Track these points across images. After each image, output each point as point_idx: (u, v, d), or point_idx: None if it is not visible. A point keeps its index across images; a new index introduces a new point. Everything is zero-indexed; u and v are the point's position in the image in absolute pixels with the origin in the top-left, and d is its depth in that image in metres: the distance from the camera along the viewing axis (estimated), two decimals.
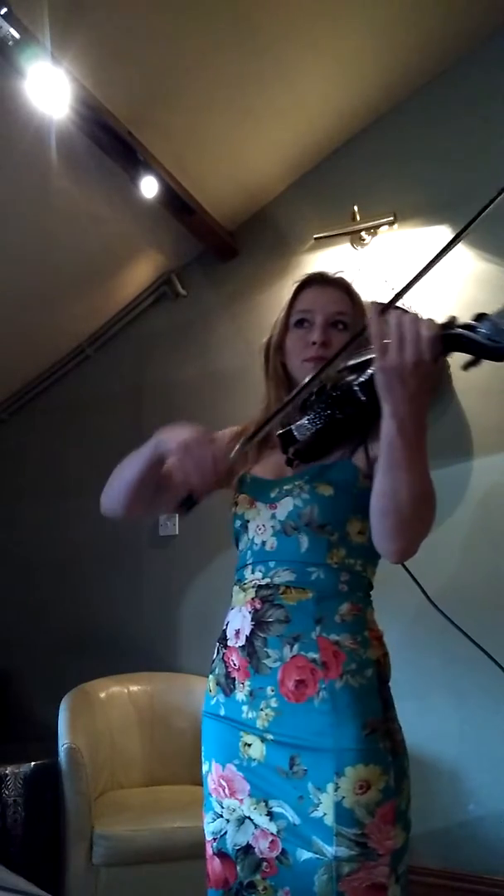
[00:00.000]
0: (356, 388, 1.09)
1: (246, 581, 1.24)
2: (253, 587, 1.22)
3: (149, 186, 2.52)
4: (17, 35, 1.90)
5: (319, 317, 1.29)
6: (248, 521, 1.27)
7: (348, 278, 1.36)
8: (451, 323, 0.97)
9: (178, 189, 2.67)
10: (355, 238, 2.80)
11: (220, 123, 2.59)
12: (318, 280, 1.35)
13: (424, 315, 0.98)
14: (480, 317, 0.96)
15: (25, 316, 3.00)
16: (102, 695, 2.63)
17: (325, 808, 1.09)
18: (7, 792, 2.35)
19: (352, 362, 1.16)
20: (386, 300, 1.06)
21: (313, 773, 1.11)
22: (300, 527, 1.20)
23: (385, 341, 0.96)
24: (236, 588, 1.27)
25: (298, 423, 1.16)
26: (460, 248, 2.63)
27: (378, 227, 2.74)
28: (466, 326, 0.95)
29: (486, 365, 2.85)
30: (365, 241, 2.79)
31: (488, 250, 2.58)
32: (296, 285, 1.36)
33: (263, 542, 1.23)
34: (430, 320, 0.97)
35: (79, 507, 3.18)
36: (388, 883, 1.09)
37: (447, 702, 2.45)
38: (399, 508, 1.05)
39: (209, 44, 2.28)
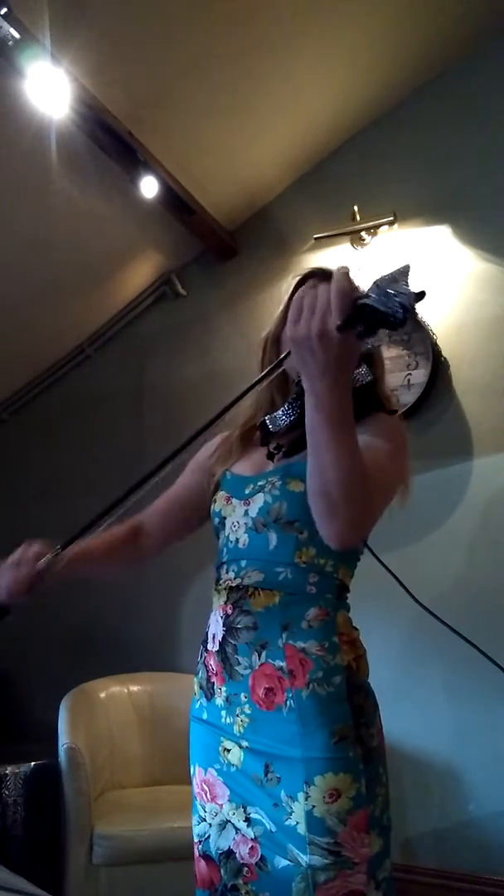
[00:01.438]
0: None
1: (221, 582, 1.24)
2: (226, 589, 1.21)
3: (149, 186, 2.52)
4: (17, 35, 1.89)
5: None
6: (224, 518, 1.25)
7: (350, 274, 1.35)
8: (357, 295, 0.91)
9: (178, 189, 2.67)
10: (355, 238, 2.80)
11: (220, 123, 2.59)
12: (319, 275, 1.31)
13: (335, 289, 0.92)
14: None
15: (25, 316, 3.00)
16: (102, 695, 2.63)
17: (297, 817, 1.09)
18: (7, 792, 2.35)
19: None
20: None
21: (285, 782, 1.11)
22: (269, 523, 1.18)
23: (295, 313, 0.93)
24: (214, 590, 1.27)
25: (274, 414, 1.14)
26: (460, 248, 2.63)
27: (378, 227, 2.74)
28: (364, 296, 0.89)
29: (487, 365, 2.85)
30: (365, 241, 2.79)
31: (488, 250, 2.58)
32: (296, 279, 1.33)
33: (237, 540, 1.22)
34: (338, 291, 0.91)
35: (79, 507, 3.16)
36: (366, 890, 1.09)
37: (447, 702, 2.45)
38: (327, 490, 0.99)
39: (209, 44, 2.28)
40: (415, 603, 1.29)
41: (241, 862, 1.15)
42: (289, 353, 1.10)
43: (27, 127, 2.17)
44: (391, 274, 0.87)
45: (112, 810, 2.34)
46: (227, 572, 1.23)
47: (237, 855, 1.15)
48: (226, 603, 1.20)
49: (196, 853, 1.24)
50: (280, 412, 1.13)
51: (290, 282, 1.34)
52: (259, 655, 1.15)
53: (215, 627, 1.22)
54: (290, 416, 1.13)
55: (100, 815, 2.28)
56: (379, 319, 0.86)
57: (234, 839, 1.16)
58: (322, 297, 0.91)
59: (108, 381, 3.31)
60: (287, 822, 1.10)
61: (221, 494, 1.27)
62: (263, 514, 1.19)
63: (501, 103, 2.63)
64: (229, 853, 1.16)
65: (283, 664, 1.14)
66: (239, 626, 1.17)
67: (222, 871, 1.17)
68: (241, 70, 2.43)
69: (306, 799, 1.08)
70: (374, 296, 0.86)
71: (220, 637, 1.20)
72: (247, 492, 1.23)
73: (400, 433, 1.21)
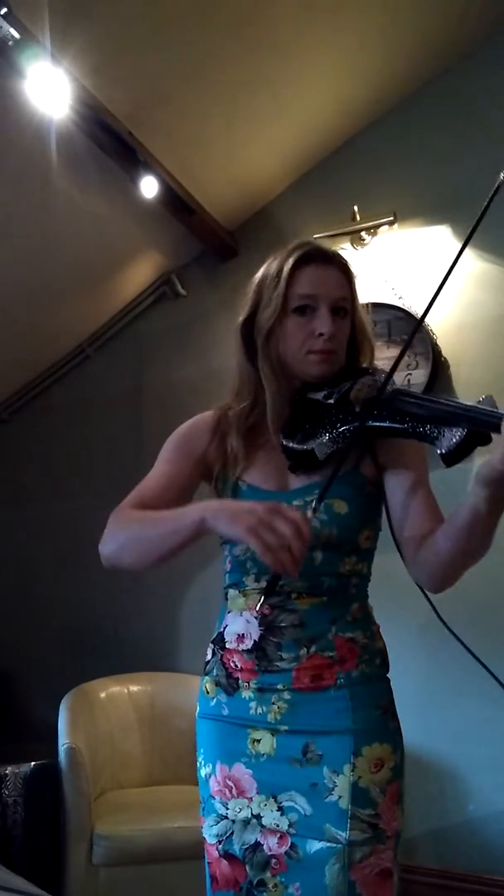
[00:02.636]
0: (441, 451, 1.00)
1: (248, 587, 1.21)
2: (258, 593, 1.19)
3: (149, 186, 2.52)
4: (17, 35, 1.89)
5: (324, 305, 1.18)
6: None
7: (348, 265, 1.25)
8: None
9: (178, 189, 2.67)
10: (355, 238, 2.80)
11: (220, 123, 2.59)
12: (319, 258, 1.21)
13: None
14: None
15: (25, 316, 3.00)
16: (102, 695, 2.63)
17: (340, 791, 1.11)
18: (7, 792, 2.35)
19: (418, 411, 1.05)
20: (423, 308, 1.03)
21: (329, 757, 1.13)
22: (318, 546, 1.15)
23: None
24: (234, 592, 1.23)
25: (319, 441, 1.08)
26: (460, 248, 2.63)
27: (378, 227, 2.74)
28: None
29: (487, 365, 2.84)
30: (365, 241, 2.79)
31: (488, 250, 2.58)
32: (292, 261, 1.19)
33: None
34: None
35: (79, 507, 3.18)
36: (392, 868, 1.13)
37: (446, 702, 2.45)
38: (459, 567, 1.10)
39: (210, 44, 2.28)
40: (417, 608, 1.30)
41: (269, 854, 1.14)
42: (380, 395, 1.07)
43: (27, 127, 2.17)
44: None
45: (112, 810, 2.34)
46: (257, 581, 1.19)
47: (264, 847, 1.15)
48: (261, 605, 1.17)
49: (214, 854, 1.21)
50: (326, 439, 1.09)
51: (287, 262, 1.20)
52: (307, 649, 1.16)
53: (243, 627, 1.19)
54: (337, 443, 1.09)
55: (100, 815, 2.28)
56: None
57: (260, 832, 1.16)
58: None
59: (108, 381, 3.31)
60: (328, 799, 1.11)
61: None
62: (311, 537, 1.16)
63: (501, 103, 2.63)
64: (255, 846, 1.16)
65: (332, 654, 1.16)
66: (283, 624, 1.16)
67: (248, 867, 1.16)
68: (241, 70, 2.42)
69: (353, 770, 1.11)
70: None
71: (255, 636, 1.17)
72: None
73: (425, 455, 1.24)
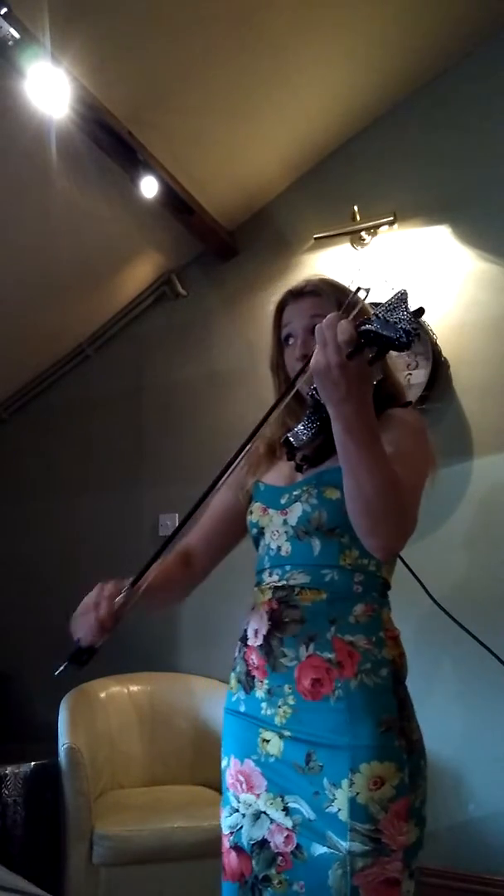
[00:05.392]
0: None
1: (264, 583, 1.27)
2: (270, 589, 1.25)
3: (149, 186, 2.52)
4: (17, 35, 1.90)
5: (299, 330, 1.33)
6: (263, 528, 1.30)
7: (319, 284, 1.36)
8: (361, 321, 1.00)
9: (178, 189, 2.67)
10: (355, 238, 2.80)
11: (220, 123, 2.59)
12: (293, 296, 1.38)
13: (343, 316, 1.02)
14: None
15: (25, 316, 3.00)
16: (102, 695, 2.63)
17: (339, 804, 1.11)
18: (7, 792, 2.35)
19: None
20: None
21: (329, 770, 1.14)
22: (311, 531, 1.22)
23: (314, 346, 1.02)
24: (256, 590, 1.31)
25: (294, 430, 1.19)
26: (460, 248, 2.63)
27: (378, 227, 2.74)
28: (367, 323, 0.98)
29: (487, 365, 2.84)
30: (365, 241, 2.79)
31: (488, 250, 2.58)
32: (274, 308, 1.39)
33: (279, 547, 1.26)
34: (344, 321, 1.01)
35: (79, 507, 3.18)
36: (401, 878, 1.12)
37: (449, 701, 2.45)
38: (367, 505, 1.08)
39: (209, 44, 2.28)
40: (417, 604, 1.30)
41: (276, 851, 1.17)
42: (300, 373, 1.20)
43: (27, 127, 2.18)
44: (388, 302, 0.96)
45: (112, 810, 2.34)
46: (270, 575, 1.27)
47: (271, 844, 1.18)
48: (271, 599, 1.24)
49: (226, 845, 1.25)
50: (300, 427, 1.18)
51: (274, 310, 1.39)
52: (307, 647, 1.18)
53: (258, 623, 1.25)
54: (311, 429, 1.17)
55: (100, 815, 2.28)
56: (385, 344, 0.96)
57: (268, 829, 1.18)
58: (329, 328, 1.01)
59: (107, 381, 3.31)
60: (328, 809, 1.12)
61: (257, 505, 1.32)
62: (304, 522, 1.23)
63: (501, 103, 2.63)
64: (263, 843, 1.19)
65: (331, 656, 1.17)
66: (286, 619, 1.21)
67: (254, 862, 1.19)
68: (241, 70, 2.43)
69: (350, 786, 1.11)
70: (376, 325, 0.95)
71: (264, 631, 1.23)
72: (283, 502, 1.28)
73: (418, 423, 1.30)
